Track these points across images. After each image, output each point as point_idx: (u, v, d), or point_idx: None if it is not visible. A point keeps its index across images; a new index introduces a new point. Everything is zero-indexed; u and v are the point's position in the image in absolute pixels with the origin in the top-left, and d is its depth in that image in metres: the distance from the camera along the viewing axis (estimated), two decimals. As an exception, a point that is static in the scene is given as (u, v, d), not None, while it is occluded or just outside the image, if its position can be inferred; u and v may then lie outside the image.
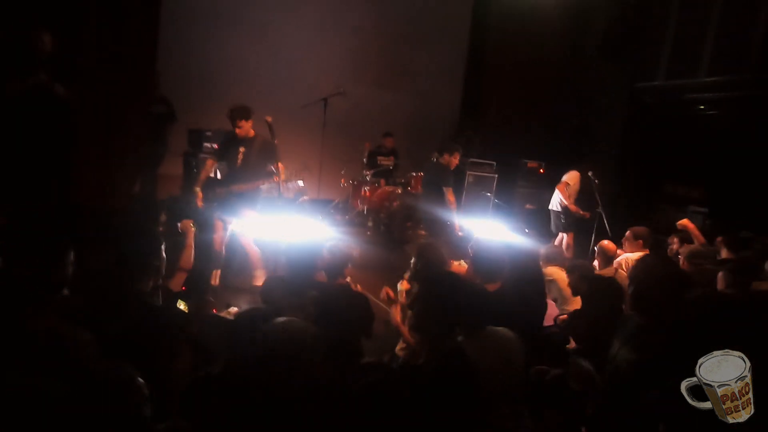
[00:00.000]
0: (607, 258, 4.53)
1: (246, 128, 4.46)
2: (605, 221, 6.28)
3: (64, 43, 5.19)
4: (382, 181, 7.16)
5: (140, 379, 1.47)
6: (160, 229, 5.80)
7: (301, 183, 6.16)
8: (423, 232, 6.75)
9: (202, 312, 3.53)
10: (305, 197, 6.95)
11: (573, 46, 8.97)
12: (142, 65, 6.25)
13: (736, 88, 7.59)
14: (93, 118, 5.74)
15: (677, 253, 4.56)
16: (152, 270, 2.40)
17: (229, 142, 4.62)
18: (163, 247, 2.48)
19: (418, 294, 2.27)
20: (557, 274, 3.86)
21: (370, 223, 6.90)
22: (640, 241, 4.60)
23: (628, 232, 4.70)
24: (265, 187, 4.62)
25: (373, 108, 8.11)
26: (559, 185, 6.41)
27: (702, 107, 8.25)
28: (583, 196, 6.50)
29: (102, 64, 5.83)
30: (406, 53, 8.42)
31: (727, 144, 7.67)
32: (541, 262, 3.73)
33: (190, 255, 2.92)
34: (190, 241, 2.99)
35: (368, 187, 6.96)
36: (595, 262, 4.61)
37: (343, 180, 7.30)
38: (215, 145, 6.00)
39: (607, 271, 4.27)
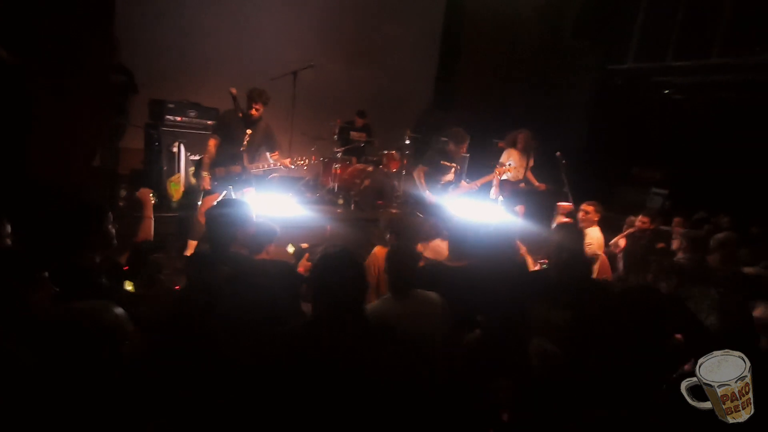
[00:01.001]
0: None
1: (260, 111, 4.55)
2: (571, 201, 6.37)
3: (12, 7, 4.80)
4: (354, 159, 7.02)
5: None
6: (120, 204, 5.55)
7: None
8: (395, 210, 6.73)
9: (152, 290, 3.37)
10: (275, 174, 6.76)
11: (547, 27, 8.96)
12: (98, 31, 5.85)
13: (700, 73, 7.77)
14: (47, 86, 5.37)
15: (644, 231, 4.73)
16: (95, 244, 2.25)
17: (234, 122, 4.61)
18: (110, 217, 2.34)
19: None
20: None
21: (340, 201, 6.78)
22: (598, 216, 4.76)
23: (589, 209, 4.78)
24: (260, 170, 4.69)
25: (344, 84, 7.90)
26: (509, 169, 6.23)
27: (668, 91, 8.43)
28: (539, 168, 6.46)
29: (54, 30, 5.42)
30: (379, 28, 8.20)
31: (690, 127, 7.89)
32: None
33: (149, 227, 2.79)
34: (149, 212, 2.84)
35: (339, 165, 6.81)
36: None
37: (313, 157, 7.11)
38: (178, 117, 5.73)
39: None
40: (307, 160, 4.84)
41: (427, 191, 5.14)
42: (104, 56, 5.88)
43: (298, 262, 3.05)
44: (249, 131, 4.54)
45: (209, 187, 4.52)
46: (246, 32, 7.20)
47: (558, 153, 6.38)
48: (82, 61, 5.63)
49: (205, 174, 4.52)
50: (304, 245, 3.14)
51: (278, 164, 4.74)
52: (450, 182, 5.22)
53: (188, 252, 4.46)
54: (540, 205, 6.34)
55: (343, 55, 7.89)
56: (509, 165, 5.73)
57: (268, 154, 4.77)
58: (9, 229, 2.39)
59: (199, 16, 6.86)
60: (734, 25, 7.33)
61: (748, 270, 3.66)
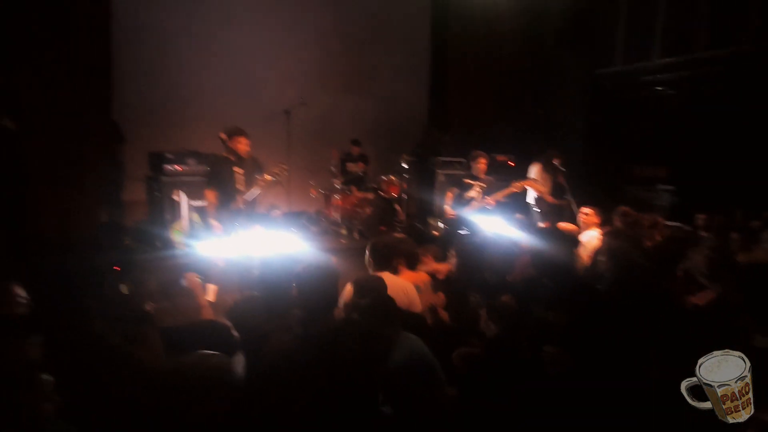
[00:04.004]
0: None
1: (247, 145, 4.56)
2: (573, 208, 6.36)
3: (11, 73, 5.01)
4: (354, 188, 7.08)
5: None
6: (126, 254, 5.63)
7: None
8: (399, 235, 6.75)
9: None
10: (278, 211, 6.83)
11: (531, 38, 9.05)
12: (95, 89, 6.06)
13: (686, 68, 7.82)
14: (47, 147, 5.54)
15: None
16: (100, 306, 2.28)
17: (222, 166, 4.59)
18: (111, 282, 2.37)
19: None
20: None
21: (343, 231, 6.81)
22: (599, 219, 4.81)
23: (588, 212, 4.82)
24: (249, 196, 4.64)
25: (339, 115, 8.00)
26: (529, 182, 6.40)
27: (659, 88, 8.46)
28: (552, 184, 6.55)
29: (53, 91, 5.63)
30: (368, 58, 8.34)
31: (685, 122, 7.89)
32: None
33: (210, 314, 2.80)
34: (203, 300, 2.84)
35: (339, 196, 6.87)
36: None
37: (313, 190, 7.19)
38: (177, 167, 5.85)
39: None
40: (284, 166, 4.71)
41: (451, 208, 5.73)
42: (101, 113, 6.09)
43: None
44: (239, 170, 4.54)
45: (219, 233, 4.55)
46: (239, 76, 7.34)
47: (556, 160, 6.42)
48: (80, 120, 5.83)
49: (213, 222, 4.57)
50: None
51: (264, 184, 4.62)
52: (471, 198, 5.66)
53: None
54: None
55: (335, 87, 8.03)
56: (530, 180, 6.07)
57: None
58: (22, 292, 2.40)
59: (192, 67, 7.02)
60: (715, 18, 7.42)
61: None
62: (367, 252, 3.28)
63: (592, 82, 8.80)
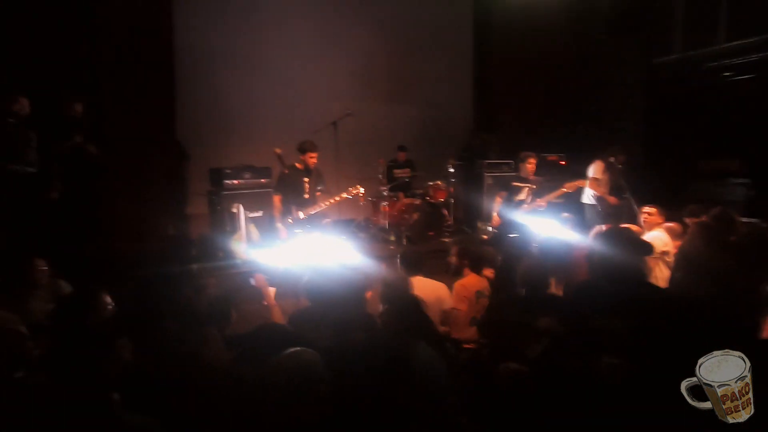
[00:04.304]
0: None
1: (316, 159, 5.22)
2: (634, 206, 6.14)
3: (90, 101, 5.62)
4: (401, 195, 7.21)
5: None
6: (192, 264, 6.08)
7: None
8: (447, 239, 6.83)
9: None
10: (328, 219, 7.07)
11: (581, 29, 8.77)
12: (161, 113, 6.63)
13: (759, 50, 7.31)
14: (120, 167, 6.12)
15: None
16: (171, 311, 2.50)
17: (293, 176, 5.30)
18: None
19: None
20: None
21: (392, 237, 6.94)
22: (662, 219, 4.62)
23: (652, 211, 4.66)
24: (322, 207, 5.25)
25: (385, 123, 8.15)
26: (586, 182, 6.25)
27: (726, 74, 7.96)
28: (612, 183, 6.37)
29: (124, 115, 6.23)
30: (412, 64, 8.43)
31: (759, 109, 7.36)
32: None
33: (278, 315, 2.91)
34: (271, 300, 2.97)
35: (387, 202, 7.02)
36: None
37: (362, 198, 7.37)
38: (235, 181, 6.25)
39: None
40: (359, 188, 5.32)
41: (500, 211, 5.74)
42: (166, 134, 6.66)
43: None
44: (307, 179, 5.19)
45: (285, 237, 5.11)
46: (287, 93, 7.65)
47: (612, 159, 6.23)
48: (148, 143, 6.40)
49: (280, 225, 5.18)
50: None
51: (334, 201, 5.24)
52: (522, 201, 5.62)
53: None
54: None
55: (380, 96, 8.19)
56: (588, 179, 6.03)
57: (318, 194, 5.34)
58: (109, 299, 2.67)
59: (243, 87, 7.40)
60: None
61: None
62: (398, 259, 3.41)
63: (649, 72, 8.43)
